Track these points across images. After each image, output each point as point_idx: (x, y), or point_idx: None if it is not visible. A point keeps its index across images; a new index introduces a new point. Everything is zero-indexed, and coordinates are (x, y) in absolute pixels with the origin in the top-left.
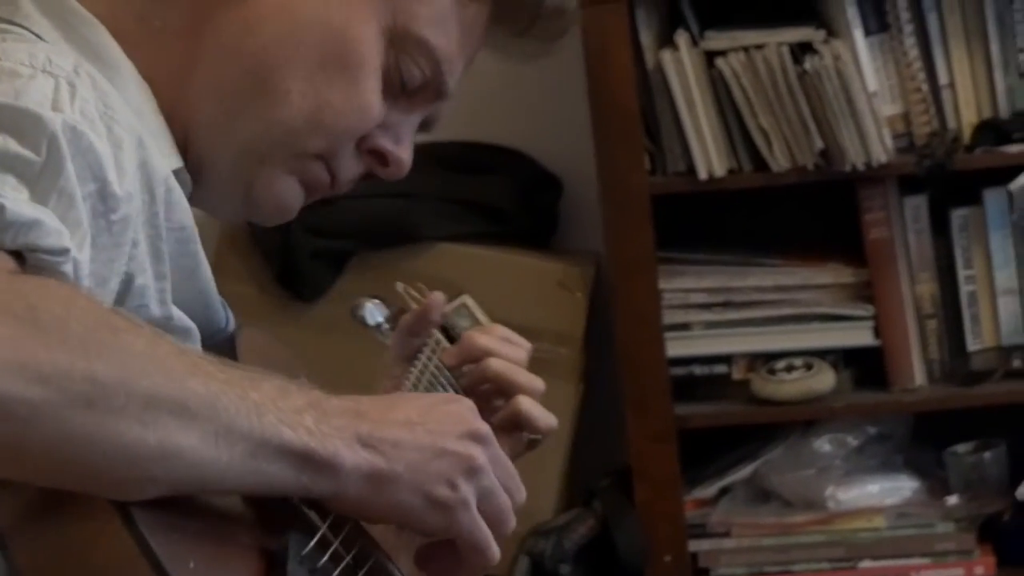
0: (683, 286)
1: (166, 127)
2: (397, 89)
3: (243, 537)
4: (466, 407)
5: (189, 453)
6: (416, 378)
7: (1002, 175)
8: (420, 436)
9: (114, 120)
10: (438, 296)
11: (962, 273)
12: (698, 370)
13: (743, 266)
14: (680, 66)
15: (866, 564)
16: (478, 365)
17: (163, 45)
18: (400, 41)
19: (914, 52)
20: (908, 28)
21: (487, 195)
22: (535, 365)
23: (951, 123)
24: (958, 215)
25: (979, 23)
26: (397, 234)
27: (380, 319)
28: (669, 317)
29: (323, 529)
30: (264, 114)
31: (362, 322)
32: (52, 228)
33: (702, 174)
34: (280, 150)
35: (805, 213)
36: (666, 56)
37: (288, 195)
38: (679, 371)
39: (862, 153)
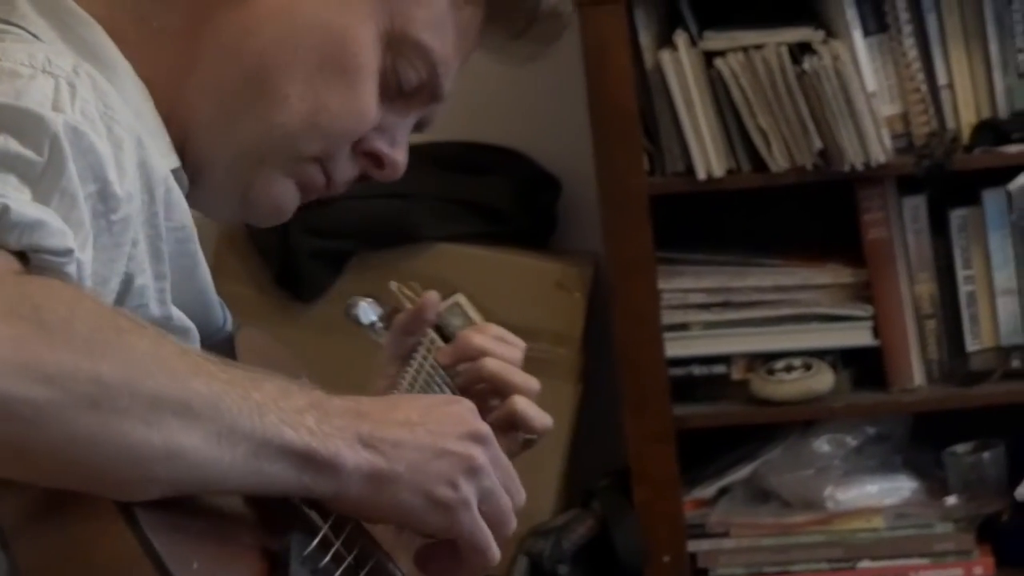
0: (682, 286)
1: (163, 127)
2: (393, 92)
3: (245, 537)
4: (466, 408)
5: (192, 453)
6: (412, 377)
7: (1001, 175)
8: (421, 436)
9: (114, 120)
10: (433, 295)
11: (961, 273)
12: (697, 370)
13: (742, 266)
14: (679, 66)
15: (865, 564)
16: (473, 364)
17: (161, 46)
18: (397, 44)
19: (913, 52)
20: (907, 28)
21: (486, 195)
22: (534, 365)
23: (950, 123)
24: (957, 215)
25: (978, 23)
26: (396, 234)
27: (374, 318)
28: (668, 317)
29: (325, 529)
30: (263, 117)
31: (356, 321)
32: (56, 229)
33: (701, 174)
34: (278, 153)
35: (804, 213)
36: (665, 56)
37: (285, 197)
38: (678, 371)
39: (861, 153)
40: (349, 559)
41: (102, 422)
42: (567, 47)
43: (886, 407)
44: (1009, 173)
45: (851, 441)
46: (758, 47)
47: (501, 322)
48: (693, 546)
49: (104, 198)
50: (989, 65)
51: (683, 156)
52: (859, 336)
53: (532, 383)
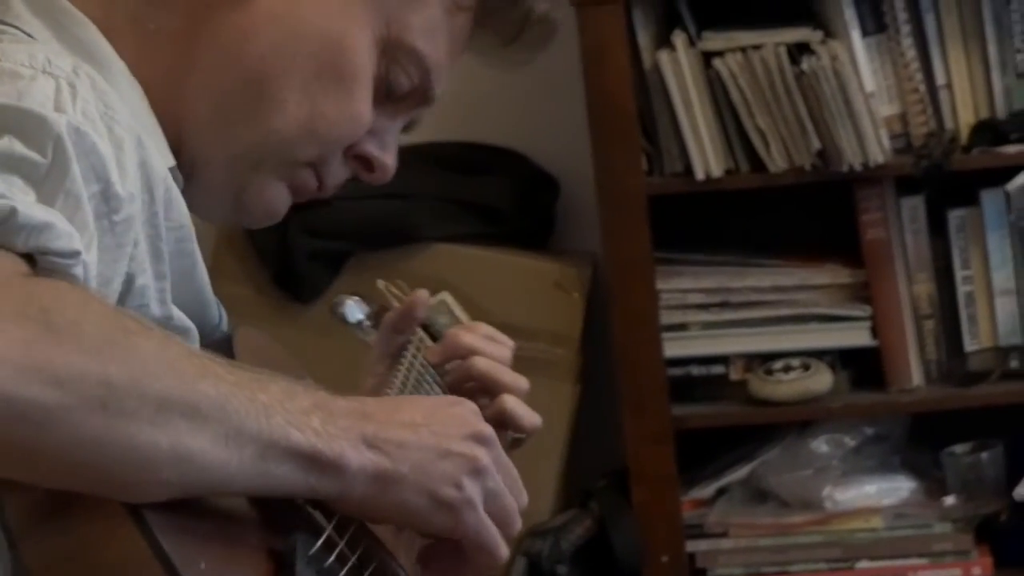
0: (680, 286)
1: (159, 127)
2: (385, 96)
3: (251, 538)
4: (469, 409)
5: (200, 456)
6: (404, 377)
7: (999, 175)
8: (425, 437)
9: (114, 120)
10: (422, 293)
11: (959, 274)
12: (695, 370)
13: (740, 266)
14: (677, 66)
15: (863, 564)
16: (463, 363)
17: (157, 47)
18: (392, 50)
19: (911, 53)
20: (905, 29)
21: (484, 195)
22: (532, 365)
23: (948, 123)
24: (955, 215)
25: (976, 24)
26: (394, 235)
27: (361, 316)
28: (666, 317)
29: (329, 530)
30: (260, 122)
31: (343, 319)
32: (63, 231)
33: (699, 174)
34: (274, 158)
35: (802, 213)
36: (663, 56)
37: (277, 200)
38: (676, 371)
39: (859, 153)
40: (353, 559)
41: (111, 424)
42: (565, 47)
43: (884, 407)
44: (1007, 173)
45: (849, 441)
46: (756, 47)
47: (500, 322)
48: (691, 546)
49: (107, 199)
50: (987, 65)
51: (681, 156)
52: (857, 336)
53: (521, 382)
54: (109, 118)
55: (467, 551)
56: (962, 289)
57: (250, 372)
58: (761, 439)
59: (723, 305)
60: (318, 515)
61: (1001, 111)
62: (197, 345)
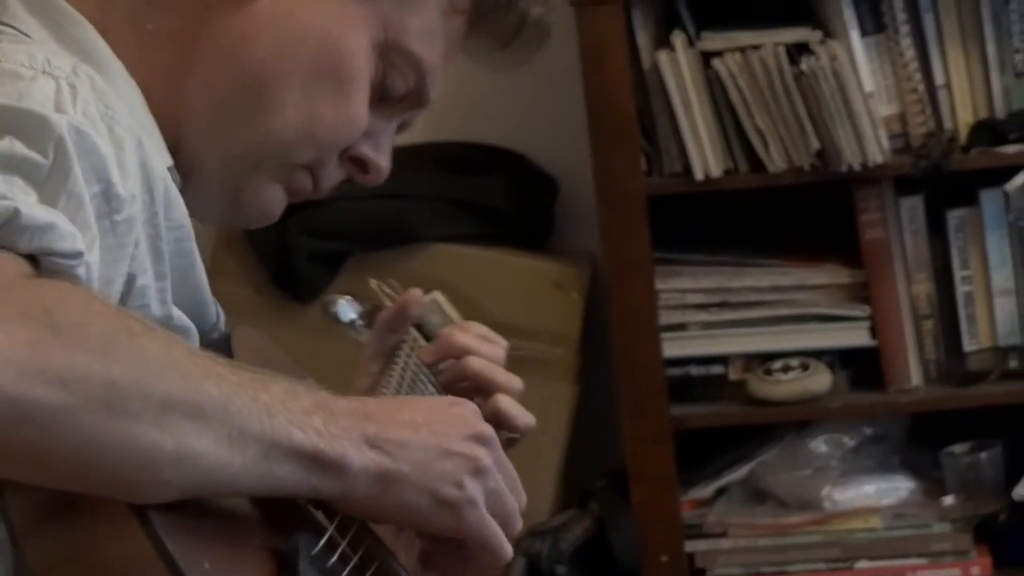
0: (679, 286)
1: (156, 127)
2: (380, 99)
3: (253, 538)
4: (469, 410)
5: (204, 456)
6: (399, 376)
7: (998, 175)
8: (426, 437)
9: (115, 120)
10: (416, 291)
11: (958, 274)
12: (694, 371)
13: (739, 266)
14: (676, 67)
15: (862, 564)
16: (457, 363)
17: (155, 47)
18: (389, 54)
19: (910, 53)
20: (904, 29)
21: (483, 196)
22: (531, 365)
23: (947, 123)
24: (954, 216)
25: (975, 23)
26: (393, 235)
27: (353, 316)
28: (665, 317)
29: (331, 530)
30: (259, 125)
31: (335, 319)
32: (66, 232)
33: (698, 175)
34: (271, 160)
35: (801, 213)
36: (662, 57)
37: (274, 202)
38: (675, 372)
39: (858, 153)
40: (355, 559)
41: (115, 425)
42: (564, 47)
43: (883, 407)
44: (1006, 173)
45: (848, 441)
46: (755, 47)
47: (498, 322)
48: (690, 546)
49: (108, 199)
50: (986, 65)
51: (680, 156)
52: (856, 336)
53: (515, 382)
54: (109, 118)
55: (471, 550)
56: (961, 289)
57: (252, 372)
58: (760, 439)
59: (722, 305)
60: (320, 515)
61: (1000, 111)
62: (197, 345)
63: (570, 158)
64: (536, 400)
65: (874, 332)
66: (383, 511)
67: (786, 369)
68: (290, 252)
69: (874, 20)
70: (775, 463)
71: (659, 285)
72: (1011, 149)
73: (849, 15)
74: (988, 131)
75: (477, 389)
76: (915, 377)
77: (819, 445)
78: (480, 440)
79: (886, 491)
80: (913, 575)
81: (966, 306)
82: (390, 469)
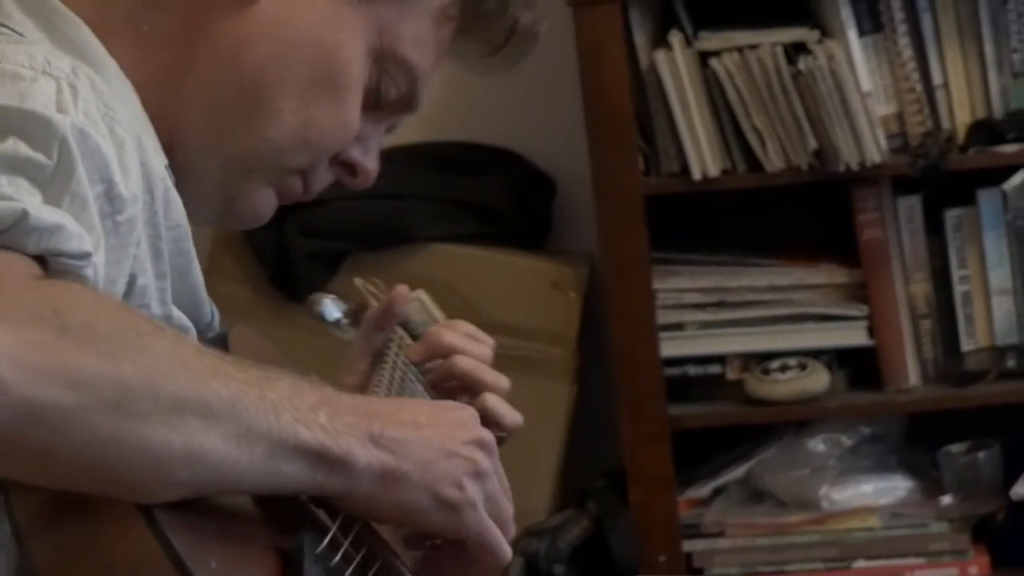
0: (677, 286)
1: (151, 127)
2: (373, 104)
3: (258, 537)
4: (470, 414)
5: (212, 455)
6: (389, 376)
7: (996, 175)
8: (429, 437)
9: (115, 121)
10: (403, 288)
11: (956, 273)
12: (692, 370)
13: (737, 266)
14: (674, 66)
15: (860, 564)
16: (445, 362)
17: (151, 49)
18: (383, 60)
19: (908, 52)
20: (902, 28)
21: (481, 195)
22: (529, 365)
23: (945, 123)
24: (952, 215)
25: (973, 23)
26: (391, 235)
27: (338, 315)
28: (663, 317)
29: (334, 529)
30: (255, 130)
31: (320, 318)
32: (74, 232)
33: (696, 174)
34: (266, 165)
35: (799, 213)
36: (660, 56)
37: (266, 205)
38: (673, 371)
39: (856, 153)
40: (358, 558)
41: (126, 425)
42: (562, 47)
43: (881, 407)
44: (1004, 173)
45: (846, 441)
46: (753, 47)
47: (496, 322)
48: (688, 546)
49: (110, 199)
50: (984, 65)
51: (678, 156)
52: (854, 336)
53: (502, 381)
54: (110, 119)
55: (471, 551)
56: (959, 289)
57: (258, 370)
58: (758, 439)
59: (720, 305)
60: (322, 514)
61: (998, 111)
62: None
63: (568, 158)
64: (534, 400)
65: (872, 332)
66: (385, 510)
67: (784, 369)
68: (288, 252)
69: (872, 20)
70: (773, 463)
71: (657, 285)
72: (1009, 149)
73: (847, 15)
74: (986, 131)
75: (464, 388)
76: (913, 377)
77: (817, 445)
78: (480, 444)
79: (884, 491)
80: (911, 574)
81: (964, 306)
82: (394, 467)
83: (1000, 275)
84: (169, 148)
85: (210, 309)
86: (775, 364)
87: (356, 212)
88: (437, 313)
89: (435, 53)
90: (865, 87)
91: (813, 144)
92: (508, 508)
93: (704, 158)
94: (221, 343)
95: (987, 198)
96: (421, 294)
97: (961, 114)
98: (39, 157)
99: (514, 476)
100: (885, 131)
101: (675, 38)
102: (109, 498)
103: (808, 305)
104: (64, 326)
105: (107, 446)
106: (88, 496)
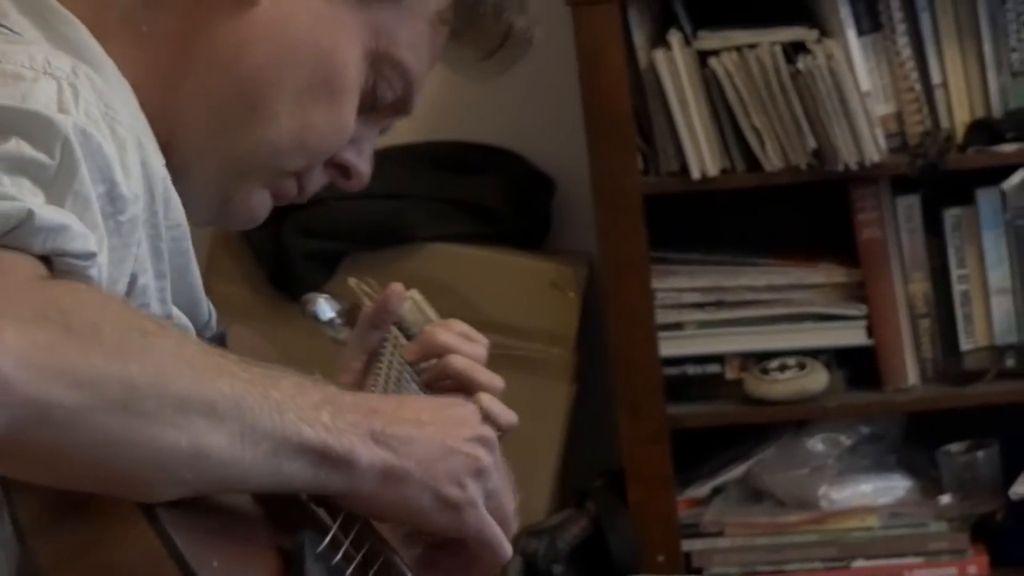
0: (676, 286)
1: (149, 127)
2: (368, 107)
3: (259, 536)
4: (471, 411)
5: (217, 454)
6: (385, 375)
7: (995, 175)
8: (430, 435)
9: (116, 121)
10: (397, 287)
11: (955, 273)
12: (691, 370)
13: (736, 266)
14: (673, 66)
15: (859, 563)
16: (439, 362)
17: (149, 49)
18: (379, 63)
19: (907, 52)
20: (901, 28)
21: (479, 195)
22: (528, 365)
23: (944, 123)
24: (951, 215)
25: (972, 23)
26: (390, 234)
27: (332, 314)
28: (662, 317)
29: (335, 528)
30: (253, 133)
31: (314, 317)
32: (79, 232)
33: (695, 174)
34: (263, 167)
35: (798, 213)
36: (659, 56)
37: (261, 207)
38: (672, 371)
39: (855, 153)
40: (358, 557)
41: (132, 425)
42: (561, 47)
43: (880, 406)
44: (1003, 172)
45: (845, 440)
46: (752, 46)
47: (495, 322)
48: (687, 545)
49: (112, 199)
50: (983, 64)
51: (677, 155)
52: (853, 336)
53: (497, 381)
54: (111, 119)
55: (472, 549)
56: (958, 288)
57: (262, 368)
58: (757, 438)
59: (719, 304)
60: (322, 513)
61: (997, 110)
62: None
63: (566, 157)
64: (533, 400)
65: (871, 331)
66: (386, 508)
67: (783, 368)
68: (286, 252)
69: (871, 19)
70: (772, 462)
71: (656, 284)
72: (1008, 148)
73: (845, 14)
74: (985, 130)
75: (459, 387)
76: (912, 376)
77: (816, 444)
78: (482, 442)
79: (883, 490)
80: (910, 574)
81: (963, 305)
82: (396, 466)
83: (999, 274)
84: (166, 148)
85: (207, 309)
86: (774, 364)
87: (355, 212)
88: (431, 313)
89: (430, 57)
90: (864, 87)
91: (812, 144)
92: (509, 504)
93: (703, 157)
94: (219, 343)
95: (986, 197)
96: (414, 294)
97: (960, 113)
98: (42, 157)
99: (512, 475)
100: (884, 131)
101: (674, 37)
102: (111, 497)
103: (807, 305)
104: (70, 326)
105: (113, 446)
106: (90, 495)
